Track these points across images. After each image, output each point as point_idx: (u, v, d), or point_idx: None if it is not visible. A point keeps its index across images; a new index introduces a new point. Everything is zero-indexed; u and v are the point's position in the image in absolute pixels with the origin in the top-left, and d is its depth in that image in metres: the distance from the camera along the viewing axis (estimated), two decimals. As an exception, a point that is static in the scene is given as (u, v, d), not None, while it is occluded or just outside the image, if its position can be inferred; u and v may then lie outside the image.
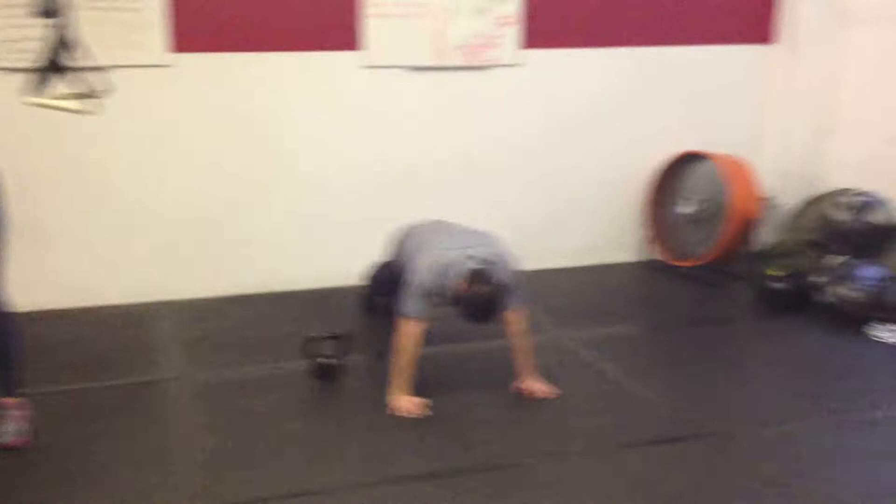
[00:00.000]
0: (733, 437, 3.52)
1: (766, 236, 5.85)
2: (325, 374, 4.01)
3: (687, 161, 5.65)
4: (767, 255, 5.48)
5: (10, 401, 3.41)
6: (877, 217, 4.92)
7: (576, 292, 5.35)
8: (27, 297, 4.69)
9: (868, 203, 4.93)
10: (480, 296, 3.53)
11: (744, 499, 3.07)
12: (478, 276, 3.57)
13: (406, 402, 3.70)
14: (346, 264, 5.10)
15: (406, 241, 4.11)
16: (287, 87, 5.07)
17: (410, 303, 3.70)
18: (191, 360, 4.28)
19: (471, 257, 3.66)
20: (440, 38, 5.20)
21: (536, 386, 3.88)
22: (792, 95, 5.87)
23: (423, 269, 3.72)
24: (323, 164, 5.22)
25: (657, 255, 5.81)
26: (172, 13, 4.76)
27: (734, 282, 5.40)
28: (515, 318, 3.86)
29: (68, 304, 4.90)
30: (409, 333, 3.68)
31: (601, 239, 5.84)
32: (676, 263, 5.64)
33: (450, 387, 3.95)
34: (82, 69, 3.46)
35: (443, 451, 3.41)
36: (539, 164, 5.62)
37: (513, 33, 5.34)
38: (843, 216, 4.96)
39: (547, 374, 3.97)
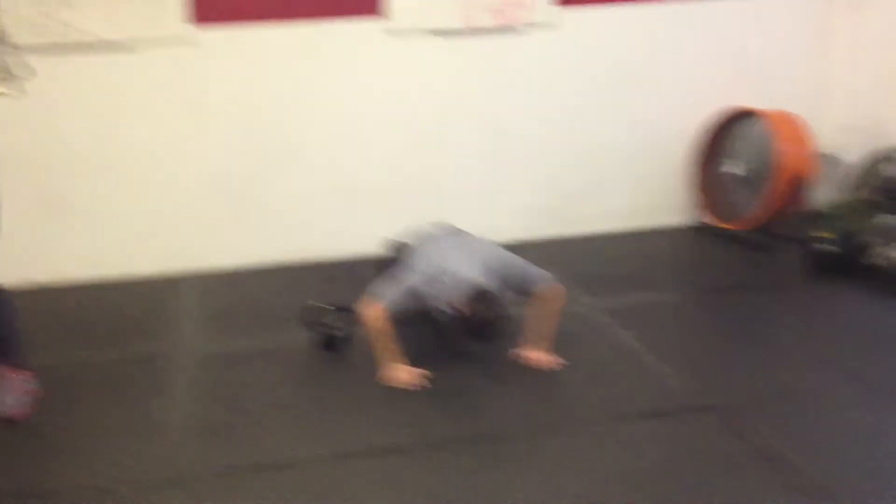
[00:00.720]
0: (739, 411, 3.29)
1: (826, 196, 5.49)
2: (330, 345, 3.97)
3: (736, 119, 5.33)
4: (820, 216, 5.14)
5: (11, 371, 3.47)
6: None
7: (614, 258, 5.15)
8: (53, 269, 4.89)
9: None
10: (482, 318, 3.42)
11: (725, 475, 2.88)
12: (482, 297, 3.44)
13: (403, 373, 3.63)
14: (373, 234, 5.01)
15: (420, 250, 3.91)
16: (309, 56, 5.01)
17: (388, 292, 3.61)
18: (203, 331, 4.31)
19: (477, 277, 3.53)
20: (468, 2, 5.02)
21: (539, 355, 3.74)
22: (855, 47, 5.46)
23: (420, 272, 3.63)
24: (347, 134, 5.15)
25: (706, 218, 5.52)
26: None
27: (784, 245, 5.08)
28: (553, 296, 3.75)
29: (94, 276, 4.99)
30: (371, 316, 3.59)
31: (646, 202, 5.59)
32: (725, 226, 5.35)
33: (451, 358, 3.84)
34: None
35: (430, 423, 3.33)
36: (578, 127, 5.40)
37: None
38: (893, 171, 4.58)
39: (562, 344, 3.82)
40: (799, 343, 3.94)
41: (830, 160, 5.64)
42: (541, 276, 3.75)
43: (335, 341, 3.95)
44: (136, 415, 3.46)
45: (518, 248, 5.13)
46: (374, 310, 3.59)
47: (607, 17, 5.28)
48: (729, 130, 5.38)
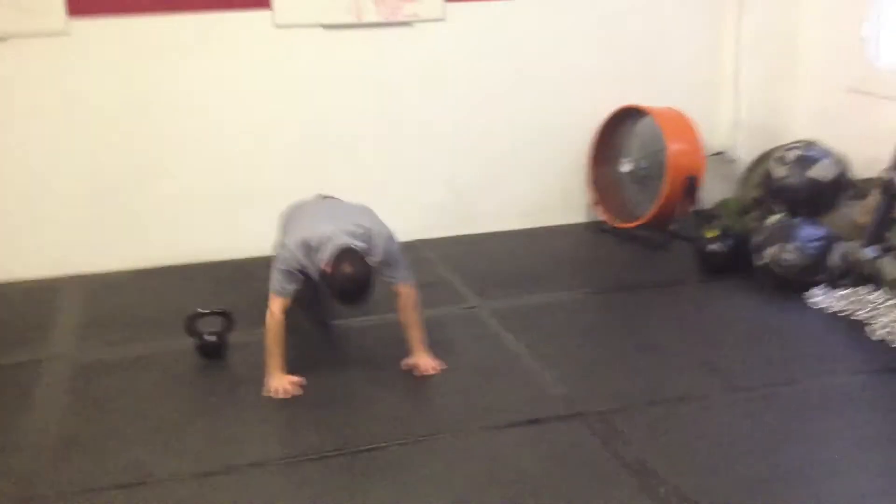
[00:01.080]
0: (613, 417, 3.28)
1: (722, 194, 5.55)
2: (209, 353, 3.86)
3: (627, 116, 5.34)
4: (711, 215, 5.20)
5: None
6: (820, 172, 4.57)
7: (508, 257, 5.12)
8: None
9: (808, 157, 4.59)
10: (345, 276, 3.34)
11: (590, 484, 2.87)
12: (344, 255, 3.37)
13: (277, 382, 3.54)
14: (257, 235, 4.92)
15: (289, 220, 3.90)
16: (192, 50, 4.86)
17: (274, 279, 3.53)
18: (79, 337, 4.16)
19: (342, 236, 3.45)
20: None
21: (421, 361, 3.69)
22: (744, 42, 5.51)
23: (291, 245, 3.54)
24: (234, 132, 5.02)
25: (601, 216, 5.53)
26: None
27: (677, 244, 5.12)
28: (405, 292, 3.68)
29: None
30: (272, 312, 3.52)
31: (542, 201, 5.57)
32: (620, 225, 5.37)
33: (340, 363, 3.81)
34: None
35: (300, 434, 3.26)
36: (472, 123, 5.36)
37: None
38: (781, 172, 4.63)
39: (446, 348, 3.80)
40: (681, 344, 3.95)
41: (725, 158, 5.70)
42: (406, 273, 3.68)
43: (209, 347, 3.85)
44: (-4, 429, 3.32)
45: (413, 247, 5.16)
46: (274, 304, 3.51)
47: (498, 12, 5.23)
48: (620, 128, 5.39)
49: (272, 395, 3.51)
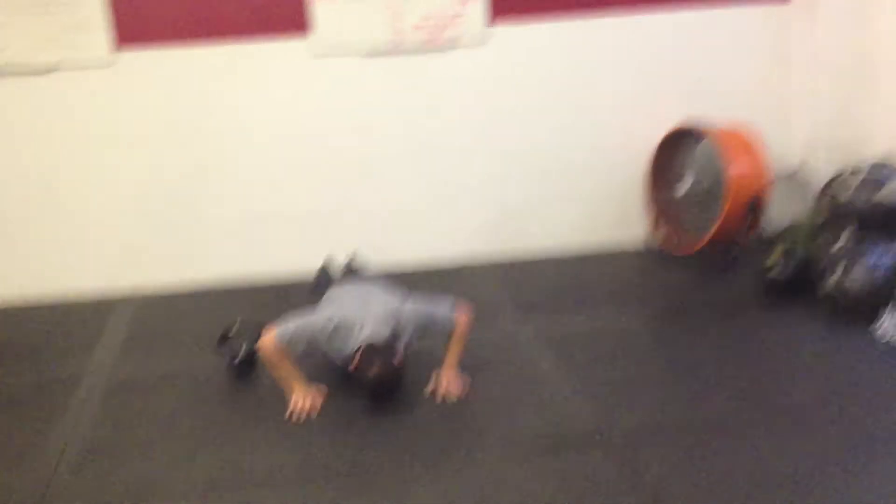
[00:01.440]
0: (638, 446, 3.12)
1: (792, 216, 5.27)
2: (239, 372, 3.86)
3: (688, 136, 5.15)
4: (774, 239, 4.94)
5: None
6: (889, 194, 4.28)
7: (558, 281, 4.97)
8: None
9: (877, 179, 4.31)
10: (372, 380, 3.35)
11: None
12: (369, 357, 3.36)
13: (299, 394, 3.53)
14: (300, 258, 4.95)
15: (328, 297, 3.90)
16: (232, 78, 4.93)
17: (288, 329, 3.50)
18: (120, 354, 4.22)
19: (366, 328, 3.44)
20: (396, 20, 4.92)
21: (445, 381, 3.61)
22: (817, 55, 5.25)
23: (322, 318, 3.53)
24: (274, 158, 5.06)
25: (657, 240, 5.33)
26: (111, 9, 4.71)
27: (741, 269, 4.88)
28: (461, 322, 3.66)
29: (27, 300, 4.99)
30: (265, 346, 3.50)
31: (598, 224, 5.41)
32: (677, 249, 5.16)
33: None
34: None
35: (312, 454, 3.21)
36: (519, 146, 5.24)
37: (477, 8, 4.98)
38: (847, 194, 4.36)
39: (478, 370, 3.74)
40: (725, 373, 3.72)
41: (798, 178, 5.44)
42: (448, 316, 3.64)
43: (239, 366, 3.84)
44: (20, 441, 3.39)
45: (461, 270, 5.09)
46: (269, 338, 3.50)
47: (542, 33, 5.12)
48: (681, 148, 5.20)
49: (298, 408, 3.48)
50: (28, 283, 4.95)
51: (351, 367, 3.41)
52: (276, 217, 5.11)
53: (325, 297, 3.90)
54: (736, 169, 4.80)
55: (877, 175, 4.34)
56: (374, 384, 3.35)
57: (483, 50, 5.10)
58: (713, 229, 4.87)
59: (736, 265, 4.90)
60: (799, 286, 4.43)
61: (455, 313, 3.65)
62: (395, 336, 3.47)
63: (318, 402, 3.52)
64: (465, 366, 3.70)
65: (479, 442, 3.23)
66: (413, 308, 3.60)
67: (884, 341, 3.94)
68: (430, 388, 3.62)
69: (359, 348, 3.38)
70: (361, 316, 3.49)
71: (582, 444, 3.16)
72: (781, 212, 5.19)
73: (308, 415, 3.47)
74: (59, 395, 3.78)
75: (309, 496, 2.93)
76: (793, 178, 5.40)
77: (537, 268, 5.18)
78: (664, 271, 5.04)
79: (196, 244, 5.11)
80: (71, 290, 5.00)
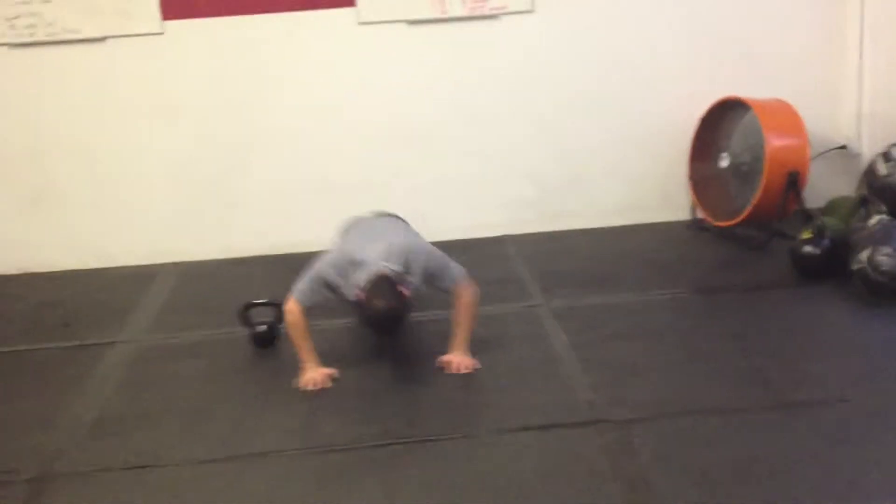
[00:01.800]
0: (634, 427, 3.08)
1: (840, 191, 5.09)
2: (260, 342, 3.96)
3: (731, 109, 5.01)
4: (816, 215, 4.78)
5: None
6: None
7: (591, 256, 4.92)
8: (31, 258, 5.07)
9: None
10: (377, 309, 3.33)
11: (579, 496, 2.70)
12: (377, 286, 3.34)
13: (309, 374, 3.58)
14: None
15: (342, 235, 3.93)
16: (279, 49, 4.99)
17: (301, 285, 3.57)
18: (152, 323, 4.37)
19: (378, 260, 3.44)
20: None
21: (455, 359, 3.62)
22: (868, 29, 5.03)
23: (328, 260, 3.57)
24: (322, 127, 5.11)
25: (699, 214, 5.22)
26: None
27: (779, 244, 4.74)
28: (460, 293, 3.64)
29: (74, 266, 5.16)
30: (289, 311, 3.57)
31: (638, 197, 5.31)
32: (718, 223, 5.04)
33: (374, 358, 3.78)
34: None
35: (315, 427, 3.27)
36: (560, 117, 5.19)
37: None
38: (885, 169, 4.20)
39: (489, 346, 3.73)
40: (740, 353, 3.63)
41: (847, 153, 5.25)
42: (456, 275, 3.63)
43: (260, 337, 3.94)
44: (43, 405, 3.55)
45: (494, 242, 5.08)
46: (290, 304, 3.57)
47: (590, 1, 5.04)
48: (724, 122, 5.06)
49: (305, 387, 3.54)
50: (73, 249, 5.14)
51: (357, 295, 3.37)
52: (321, 186, 5.17)
53: (345, 231, 3.91)
54: (776, 142, 4.65)
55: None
56: (378, 314, 3.33)
57: (530, 18, 5.04)
58: (752, 203, 4.75)
59: (774, 240, 4.76)
60: (831, 263, 4.29)
61: (461, 280, 3.64)
62: (405, 270, 3.46)
63: (328, 384, 3.55)
64: (477, 338, 3.69)
65: (475, 419, 3.26)
66: (426, 251, 3.61)
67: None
68: (438, 362, 3.64)
69: (367, 280, 3.36)
70: (373, 249, 3.50)
71: (576, 426, 3.14)
72: (827, 188, 5.01)
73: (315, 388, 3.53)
74: (89, 361, 3.93)
75: (302, 468, 2.99)
76: (842, 152, 5.21)
77: (571, 241, 5.14)
78: (701, 246, 4.95)
79: (242, 213, 5.22)
80: (116, 257, 5.17)
